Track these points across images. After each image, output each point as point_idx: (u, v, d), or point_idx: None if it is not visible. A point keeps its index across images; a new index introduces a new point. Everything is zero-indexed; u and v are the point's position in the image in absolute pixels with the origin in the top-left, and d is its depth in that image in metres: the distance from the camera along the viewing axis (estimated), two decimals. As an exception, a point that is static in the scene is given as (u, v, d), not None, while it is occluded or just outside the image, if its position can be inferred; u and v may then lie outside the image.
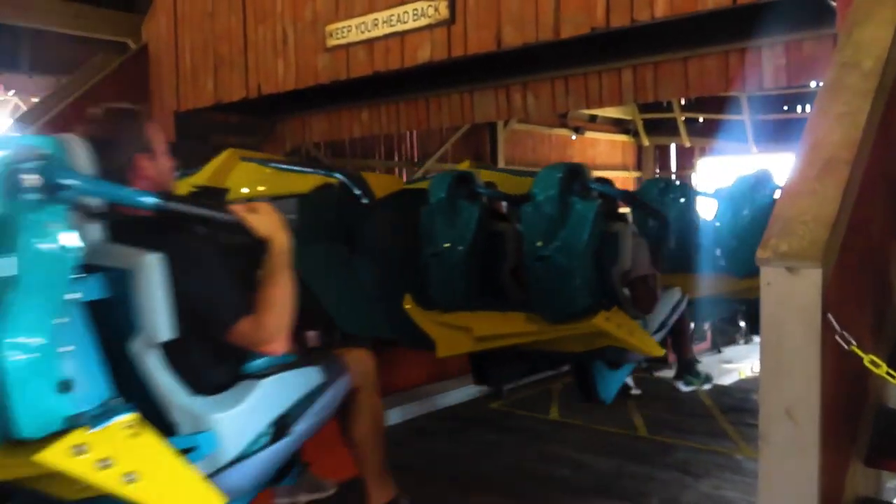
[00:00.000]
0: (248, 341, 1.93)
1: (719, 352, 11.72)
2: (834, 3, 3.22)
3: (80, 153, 1.79)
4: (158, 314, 1.84)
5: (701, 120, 12.45)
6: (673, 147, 13.57)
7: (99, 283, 1.79)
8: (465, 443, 5.22)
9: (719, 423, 5.64)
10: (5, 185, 1.64)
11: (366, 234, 4.18)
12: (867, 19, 2.44)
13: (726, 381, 9.38)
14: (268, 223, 2.01)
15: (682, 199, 5.28)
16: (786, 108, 11.29)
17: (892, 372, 2.00)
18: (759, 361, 2.07)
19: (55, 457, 1.61)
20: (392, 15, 5.51)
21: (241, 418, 1.90)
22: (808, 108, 11.56)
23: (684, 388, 5.84)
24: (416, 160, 12.71)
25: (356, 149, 11.88)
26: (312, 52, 6.65)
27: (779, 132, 11.17)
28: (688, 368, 6.03)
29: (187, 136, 7.99)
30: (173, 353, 1.85)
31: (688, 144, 12.73)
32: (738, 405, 6.12)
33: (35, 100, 7.77)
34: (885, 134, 2.43)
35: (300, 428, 2.10)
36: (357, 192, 4.17)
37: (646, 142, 13.41)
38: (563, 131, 13.34)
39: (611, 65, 5.72)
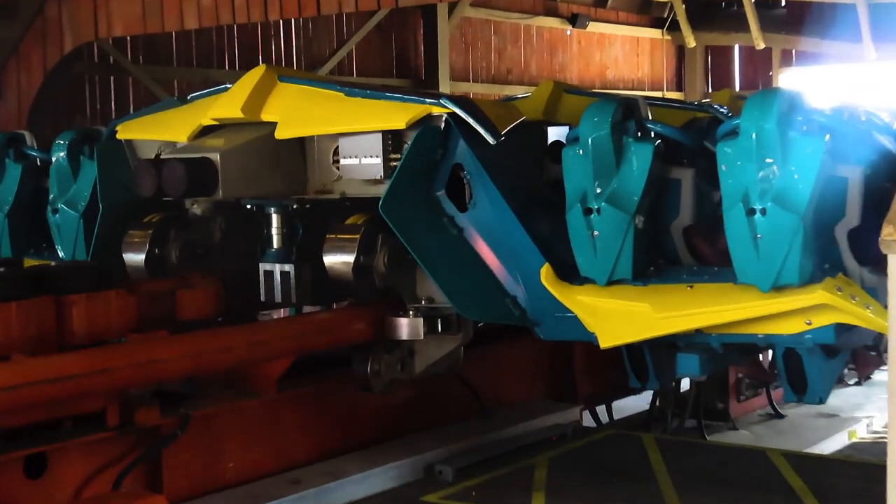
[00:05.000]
0: None
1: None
2: None
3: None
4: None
5: (783, 4, 12.54)
6: (736, 50, 13.52)
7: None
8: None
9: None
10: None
11: (485, 183, 5.00)
12: None
13: (828, 446, 9.32)
14: None
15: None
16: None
17: None
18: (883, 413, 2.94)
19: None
20: None
21: None
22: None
23: None
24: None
25: (188, 53, 11.47)
26: None
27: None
28: None
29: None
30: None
31: (761, 45, 12.48)
32: (849, 488, 6.03)
33: None
34: None
35: None
36: (476, 125, 4.98)
37: (691, 41, 13.24)
38: (552, 22, 13.21)
39: None
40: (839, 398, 11.11)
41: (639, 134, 4.94)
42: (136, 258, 5.76)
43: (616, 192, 4.86)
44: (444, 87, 12.81)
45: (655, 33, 13.80)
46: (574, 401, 7.04)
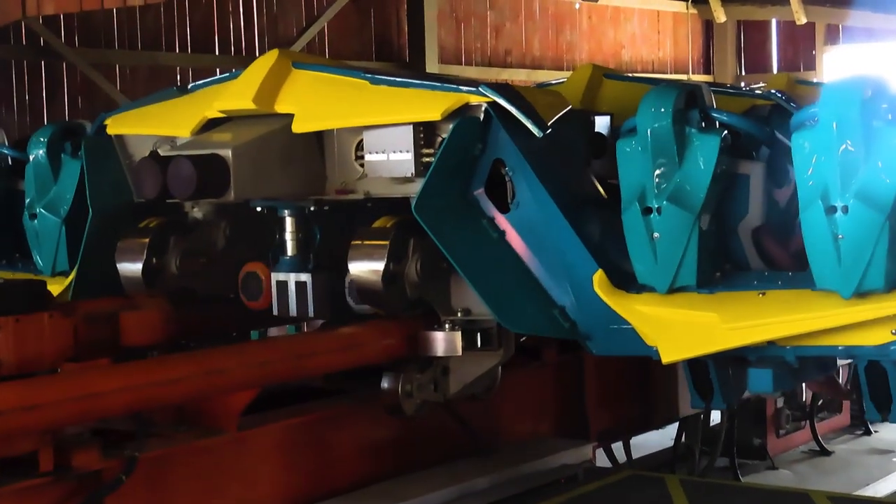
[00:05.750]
0: None
1: (868, 432, 10.82)
2: None
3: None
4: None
5: (829, -29, 13.41)
6: (773, 26, 13.50)
7: None
8: None
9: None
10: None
11: (530, 180, 5.24)
12: None
13: (882, 488, 9.47)
14: None
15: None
16: None
17: None
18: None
19: None
20: None
21: None
22: None
23: None
24: (258, 54, 12.21)
25: (132, 34, 11.62)
26: None
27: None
28: None
29: None
30: None
31: (802, 20, 12.68)
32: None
33: None
34: None
35: None
36: (520, 115, 5.19)
37: (721, 15, 13.42)
38: None
39: None
40: (895, 430, 11.12)
41: (703, 124, 5.19)
42: (132, 268, 5.91)
43: (679, 188, 5.10)
44: (432, 70, 12.89)
45: (679, 6, 13.97)
46: (586, 437, 7.09)
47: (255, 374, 5.24)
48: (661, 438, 8.79)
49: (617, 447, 8.27)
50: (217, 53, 11.95)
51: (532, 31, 13.01)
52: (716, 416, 9.08)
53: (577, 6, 13.03)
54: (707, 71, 14.74)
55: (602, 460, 7.89)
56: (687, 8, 13.85)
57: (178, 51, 11.69)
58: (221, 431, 5.32)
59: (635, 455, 8.44)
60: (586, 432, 7.20)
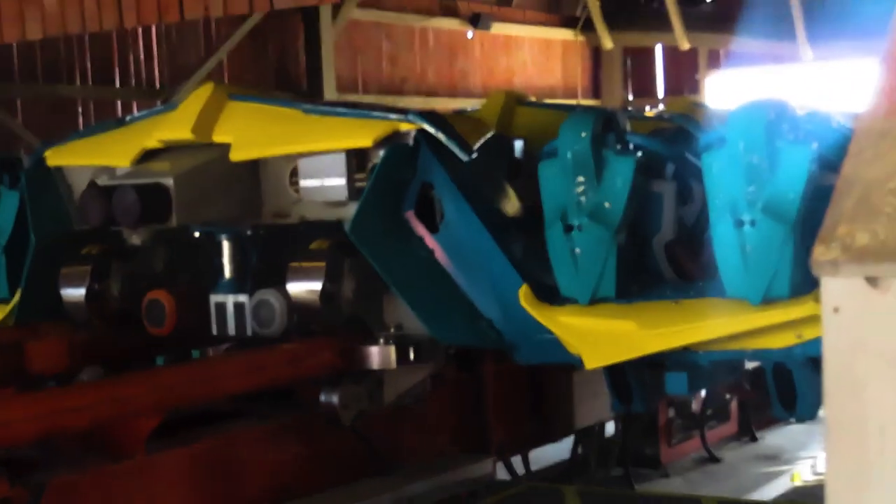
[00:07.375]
0: None
1: (754, 439, 11.16)
2: None
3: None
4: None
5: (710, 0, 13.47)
6: (659, 52, 14.01)
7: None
8: None
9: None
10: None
11: (458, 202, 5.52)
12: None
13: (769, 492, 9.84)
14: None
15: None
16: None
17: None
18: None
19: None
20: None
21: None
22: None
23: None
24: (159, 85, 12.94)
25: (31, 66, 11.69)
26: None
27: (850, 23, 11.71)
28: None
29: None
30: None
31: (686, 46, 13.08)
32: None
33: None
34: None
35: None
36: (447, 141, 5.48)
37: (608, 42, 13.62)
38: (451, 23, 13.60)
39: None
40: (781, 437, 11.55)
41: (619, 147, 5.55)
42: (75, 293, 6.15)
43: (598, 207, 5.45)
44: (330, 98, 12.91)
45: (567, 34, 14.41)
46: (486, 451, 7.26)
47: (207, 389, 5.44)
48: (558, 451, 9.06)
49: (516, 461, 8.54)
50: (118, 85, 12.04)
51: (427, 60, 13.25)
52: (610, 428, 9.38)
53: (470, 35, 13.33)
54: (596, 96, 15.10)
55: (502, 473, 8.16)
56: (575, 36, 14.22)
57: (78, 83, 11.78)
58: (129, 456, 5.34)
59: (534, 467, 8.66)
60: (487, 447, 7.38)
